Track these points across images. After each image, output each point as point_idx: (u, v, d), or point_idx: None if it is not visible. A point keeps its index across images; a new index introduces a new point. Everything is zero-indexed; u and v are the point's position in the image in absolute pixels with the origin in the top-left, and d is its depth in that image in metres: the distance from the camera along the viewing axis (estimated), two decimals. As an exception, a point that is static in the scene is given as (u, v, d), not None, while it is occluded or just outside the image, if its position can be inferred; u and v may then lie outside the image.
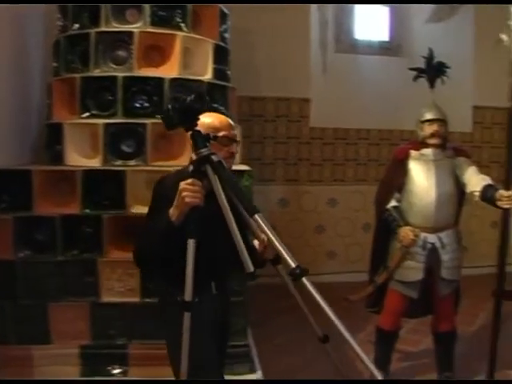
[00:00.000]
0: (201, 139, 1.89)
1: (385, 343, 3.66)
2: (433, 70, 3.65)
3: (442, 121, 3.45)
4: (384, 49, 6.50)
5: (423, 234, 3.38)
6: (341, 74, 5.99)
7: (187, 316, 1.89)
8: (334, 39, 6.30)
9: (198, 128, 1.91)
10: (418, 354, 4.17)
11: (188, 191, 1.86)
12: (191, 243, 1.84)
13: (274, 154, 5.92)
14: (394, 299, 3.53)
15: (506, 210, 3.13)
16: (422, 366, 3.97)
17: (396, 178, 3.50)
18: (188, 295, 1.87)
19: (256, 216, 1.75)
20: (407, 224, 3.39)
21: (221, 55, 3.32)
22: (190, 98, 1.87)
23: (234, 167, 2.54)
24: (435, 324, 3.64)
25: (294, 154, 5.99)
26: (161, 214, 1.98)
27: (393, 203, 3.47)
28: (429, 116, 3.45)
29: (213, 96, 3.15)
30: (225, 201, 1.90)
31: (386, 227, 3.51)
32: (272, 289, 5.58)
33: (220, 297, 2.28)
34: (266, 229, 1.72)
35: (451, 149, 3.52)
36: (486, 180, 3.28)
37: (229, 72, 3.43)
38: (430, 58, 3.71)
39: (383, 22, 6.63)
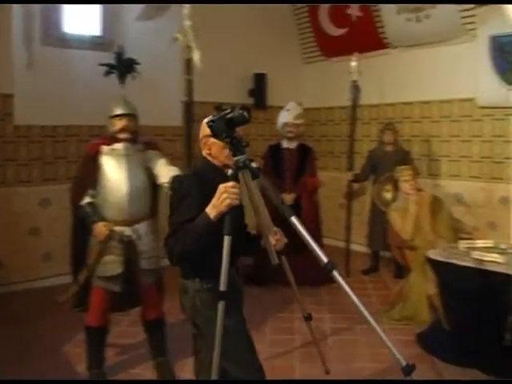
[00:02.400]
0: (239, 146, 2.12)
1: (95, 340, 3.64)
2: (122, 66, 3.70)
3: (131, 115, 3.52)
4: (96, 44, 6.42)
5: (119, 228, 3.44)
6: (48, 69, 5.73)
7: (222, 305, 2.14)
8: (41, 32, 6.01)
9: (236, 135, 2.13)
10: (136, 344, 4.24)
11: (229, 193, 2.08)
12: (227, 239, 2.08)
13: (-23, 155, 5.43)
14: (97, 295, 3.53)
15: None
16: (140, 355, 4.04)
17: (89, 174, 3.48)
18: (223, 285, 2.11)
19: (292, 218, 2.04)
20: (103, 219, 3.41)
21: None
22: (237, 108, 2.11)
23: None
24: (144, 313, 3.74)
25: (-1, 155, 5.57)
26: (192, 213, 2.19)
27: (87, 199, 3.45)
28: (118, 111, 3.50)
29: None
30: (260, 202, 2.30)
31: (82, 224, 3.48)
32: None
33: (237, 280, 2.55)
34: (300, 228, 2.02)
35: (142, 143, 3.63)
36: (174, 171, 3.47)
37: None
38: (120, 54, 3.75)
39: (95, 17, 6.54)
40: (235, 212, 2.12)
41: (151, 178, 3.56)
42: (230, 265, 2.42)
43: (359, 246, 6.68)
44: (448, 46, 6.35)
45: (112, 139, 3.51)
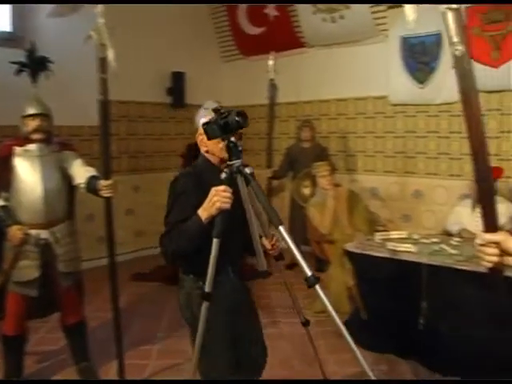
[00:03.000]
0: (235, 151, 2.13)
1: (13, 349, 3.51)
2: (34, 64, 3.58)
3: (45, 115, 3.42)
4: (5, 40, 6.15)
5: (35, 231, 3.34)
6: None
7: (205, 305, 2.20)
8: None
9: (233, 139, 2.13)
10: (58, 351, 4.13)
11: (220, 197, 2.09)
12: (216, 242, 2.11)
13: None
14: (13, 302, 3.41)
15: (108, 199, 3.30)
16: (62, 361, 3.95)
17: (1, 176, 3.35)
18: (208, 287, 2.17)
19: (280, 227, 2.04)
20: (18, 223, 3.30)
21: None
22: (233, 113, 2.08)
23: None
24: (63, 318, 3.65)
25: None
26: (187, 212, 2.23)
27: (0, 203, 3.33)
28: (31, 111, 3.39)
29: None
30: (250, 207, 2.26)
31: (-4, 228, 3.35)
32: None
33: (235, 280, 2.58)
34: (287, 238, 2.01)
35: (57, 143, 3.53)
36: (90, 172, 3.41)
37: None
38: (31, 52, 3.63)
39: (4, 11, 6.27)
40: (228, 215, 2.12)
41: (67, 179, 3.48)
42: (231, 265, 2.54)
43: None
44: (362, 46, 6.59)
45: (25, 140, 3.39)
